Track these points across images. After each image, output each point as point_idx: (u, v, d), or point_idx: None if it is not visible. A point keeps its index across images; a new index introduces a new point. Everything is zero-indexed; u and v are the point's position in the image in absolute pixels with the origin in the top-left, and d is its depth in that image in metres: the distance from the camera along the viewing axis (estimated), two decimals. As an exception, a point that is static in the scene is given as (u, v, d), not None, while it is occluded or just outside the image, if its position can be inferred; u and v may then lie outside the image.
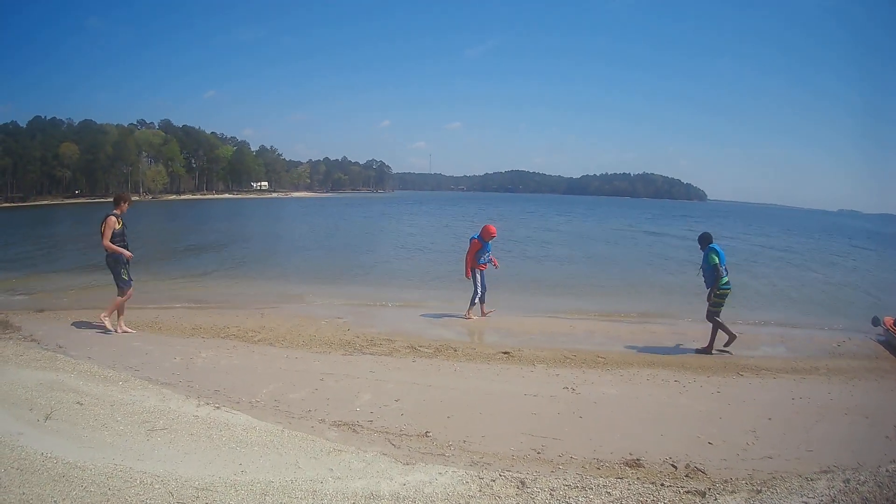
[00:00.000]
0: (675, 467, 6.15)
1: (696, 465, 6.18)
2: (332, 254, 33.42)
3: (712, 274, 11.88)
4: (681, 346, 12.20)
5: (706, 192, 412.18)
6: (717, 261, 11.78)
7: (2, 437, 5.94)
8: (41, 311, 13.96)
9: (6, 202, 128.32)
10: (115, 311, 11.83)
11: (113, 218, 11.46)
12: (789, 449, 6.81)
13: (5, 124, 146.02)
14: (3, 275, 22.36)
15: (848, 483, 5.15)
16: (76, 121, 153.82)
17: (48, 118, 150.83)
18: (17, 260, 28.13)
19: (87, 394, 7.55)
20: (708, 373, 10.12)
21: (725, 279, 11.90)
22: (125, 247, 11.70)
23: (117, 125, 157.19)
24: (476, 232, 15.08)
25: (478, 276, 14.68)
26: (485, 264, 14.80)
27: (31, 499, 4.78)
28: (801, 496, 5.02)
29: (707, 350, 11.76)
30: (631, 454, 6.45)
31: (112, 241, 11.45)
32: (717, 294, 11.91)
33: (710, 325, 11.97)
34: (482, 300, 14.91)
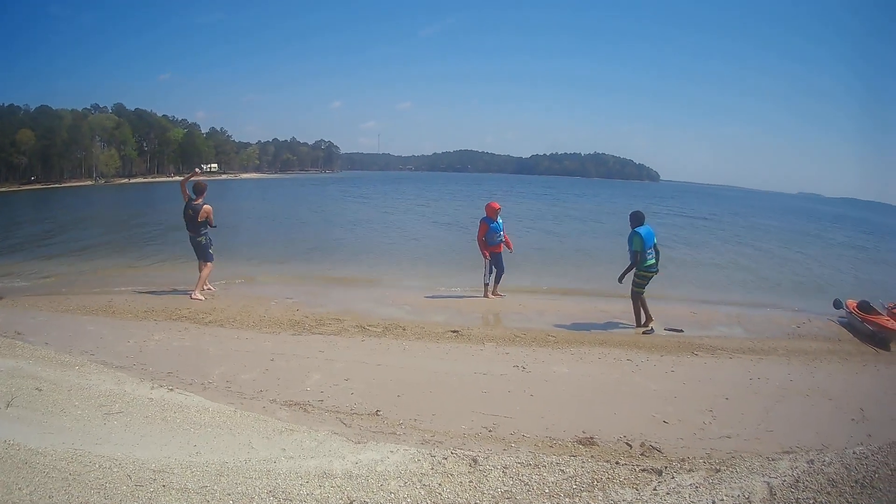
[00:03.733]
0: (630, 446, 6.17)
1: (652, 444, 6.19)
2: (280, 234, 33.32)
3: (632, 258, 11.88)
4: (631, 326, 12.09)
5: (659, 173, 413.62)
6: (637, 248, 11.73)
7: (-33, 428, 5.87)
8: (0, 298, 13.76)
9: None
10: (199, 281, 13.57)
11: (209, 206, 13.41)
12: (748, 429, 6.85)
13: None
14: None
15: (812, 464, 5.15)
16: (33, 107, 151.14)
17: (6, 105, 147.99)
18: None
19: (45, 379, 7.48)
20: (661, 352, 10.08)
21: (651, 261, 11.93)
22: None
23: (72, 110, 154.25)
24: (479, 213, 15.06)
25: (488, 258, 14.52)
26: (499, 245, 14.61)
27: (-3, 487, 4.78)
28: (763, 476, 5.02)
29: (641, 327, 11.88)
30: (584, 432, 6.47)
31: (206, 224, 13.58)
32: (639, 275, 11.93)
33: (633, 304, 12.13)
34: (497, 280, 14.82)
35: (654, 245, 12.09)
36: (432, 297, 14.82)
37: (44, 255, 24.38)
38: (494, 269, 14.67)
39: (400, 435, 6.35)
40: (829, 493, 4.68)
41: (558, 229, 38.09)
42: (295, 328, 11.12)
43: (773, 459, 5.42)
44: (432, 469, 5.23)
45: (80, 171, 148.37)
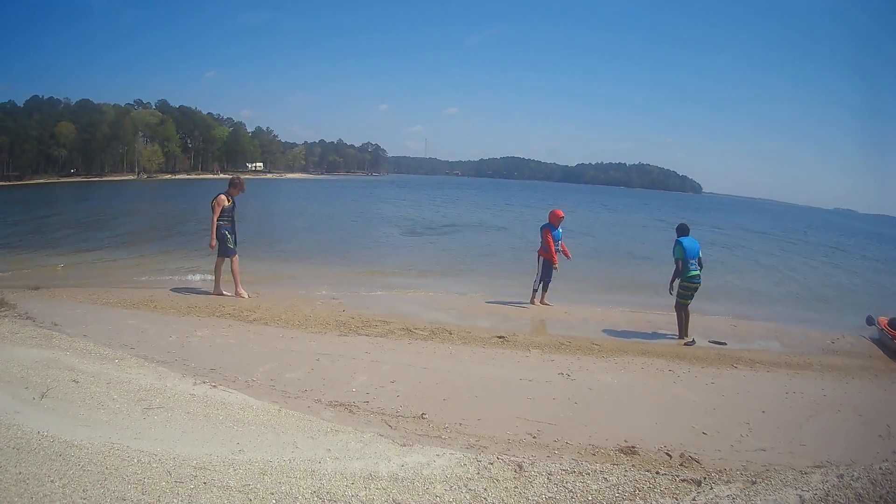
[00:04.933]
0: (670, 456, 6.12)
1: (691, 455, 6.15)
2: (328, 236, 33.24)
3: (676, 267, 12.06)
4: (674, 336, 12.15)
5: (701, 185, 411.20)
6: (678, 256, 11.94)
7: (-1, 416, 5.79)
8: (36, 288, 13.78)
9: (2, 180, 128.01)
10: (234, 279, 13.48)
11: (223, 196, 13.12)
12: (782, 443, 6.79)
13: (3, 104, 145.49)
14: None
15: (842, 478, 5.07)
16: (74, 100, 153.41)
17: (46, 98, 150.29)
18: (12, 237, 27.77)
19: (83, 372, 7.39)
20: (702, 363, 10.07)
21: (695, 272, 12.01)
22: (233, 222, 13.45)
23: (114, 105, 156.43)
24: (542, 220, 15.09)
25: (541, 263, 14.55)
26: (557, 252, 14.53)
27: (28, 478, 4.63)
28: (796, 489, 4.95)
29: (683, 338, 11.92)
30: (626, 441, 6.41)
31: (221, 217, 13.11)
32: (682, 286, 12.03)
33: (681, 314, 12.15)
34: (545, 288, 14.78)
35: (699, 258, 12.14)
36: (479, 302, 14.83)
37: (83, 243, 25.10)
38: (543, 277, 14.63)
39: (445, 439, 6.31)
40: (855, 507, 4.63)
41: (607, 238, 38.11)
42: (341, 329, 11.04)
43: (805, 473, 5.40)
44: (478, 474, 5.20)
45: (122, 166, 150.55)
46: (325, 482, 4.92)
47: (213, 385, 7.33)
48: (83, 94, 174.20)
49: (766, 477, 5.32)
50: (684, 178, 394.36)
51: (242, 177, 13.03)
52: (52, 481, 4.62)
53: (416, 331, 11.12)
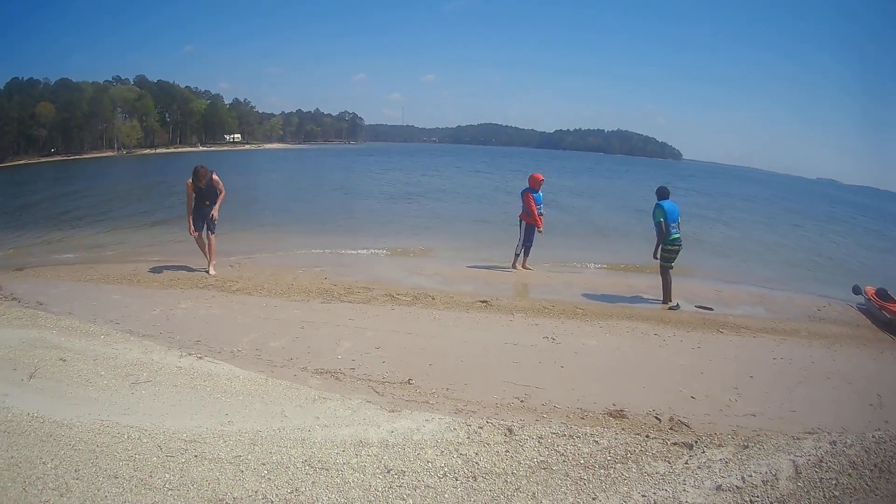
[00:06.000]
0: (659, 420, 6.21)
1: (680, 419, 6.22)
2: (306, 203, 33.35)
3: (658, 229, 12.06)
4: (657, 301, 12.21)
5: (682, 152, 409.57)
6: (660, 218, 11.96)
7: (-13, 400, 5.77)
8: (20, 269, 13.72)
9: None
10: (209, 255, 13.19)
11: (189, 182, 12.75)
12: (772, 408, 6.82)
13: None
14: None
15: (835, 445, 5.14)
16: (53, 80, 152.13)
17: (26, 79, 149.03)
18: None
19: (69, 350, 7.41)
20: (687, 328, 10.09)
21: (675, 235, 12.12)
22: (210, 201, 12.96)
23: (93, 83, 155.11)
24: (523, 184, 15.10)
25: (523, 228, 14.59)
26: (541, 216, 14.57)
27: (20, 461, 4.67)
28: (789, 454, 5.03)
29: (667, 302, 12.02)
30: (614, 405, 6.49)
31: (196, 200, 12.85)
32: (665, 249, 12.12)
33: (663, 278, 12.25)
34: (526, 253, 14.84)
35: (678, 221, 12.26)
36: (460, 267, 14.94)
37: (62, 221, 24.71)
38: (525, 242, 14.70)
39: (433, 404, 6.38)
40: (850, 474, 4.74)
41: (582, 203, 37.98)
42: (324, 296, 11.07)
43: (797, 439, 5.47)
44: (468, 438, 5.31)
45: (102, 143, 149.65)
46: (315, 450, 5.01)
47: (199, 357, 7.36)
48: (63, 75, 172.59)
49: (758, 441, 5.40)
50: (664, 144, 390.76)
51: (206, 166, 12.67)
52: (43, 463, 4.65)
53: (399, 297, 11.19)
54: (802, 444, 5.24)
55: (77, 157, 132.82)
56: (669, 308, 11.64)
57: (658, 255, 12.23)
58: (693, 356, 8.57)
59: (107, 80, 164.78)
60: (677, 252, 12.20)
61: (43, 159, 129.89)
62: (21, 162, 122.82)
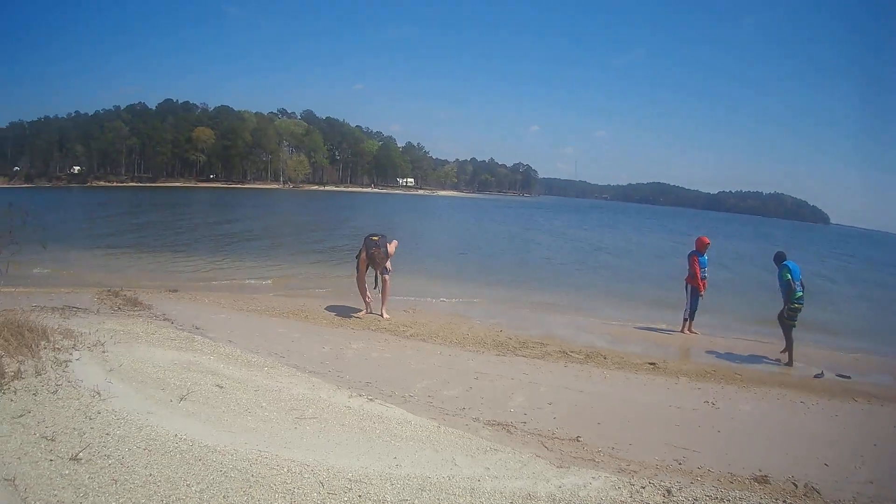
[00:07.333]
0: (796, 486, 6.54)
1: (813, 485, 6.53)
2: (486, 256, 34.04)
3: (787, 288, 13.36)
4: (803, 367, 12.85)
5: (829, 216, 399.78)
6: (789, 277, 13.32)
7: (128, 416, 5.95)
8: (174, 290, 14.54)
9: (133, 181, 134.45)
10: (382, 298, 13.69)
11: (363, 251, 13.28)
12: (887, 477, 7.20)
13: (132, 105, 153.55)
14: (131, 252, 24.37)
15: None
16: (210, 106, 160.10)
17: (180, 102, 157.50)
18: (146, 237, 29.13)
19: (228, 377, 7.64)
20: (828, 396, 10.66)
21: (800, 293, 13.39)
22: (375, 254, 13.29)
23: (256, 113, 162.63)
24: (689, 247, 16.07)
25: (689, 291, 15.44)
26: (704, 279, 15.39)
27: (159, 479, 4.81)
28: None
29: (788, 362, 13.13)
30: (760, 470, 6.81)
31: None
32: (791, 308, 13.35)
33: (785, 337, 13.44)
34: (691, 317, 15.47)
35: (801, 279, 13.57)
36: (629, 328, 15.77)
37: (221, 247, 26.92)
38: (691, 305, 15.35)
39: (599, 462, 6.63)
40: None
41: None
42: (499, 349, 11.45)
43: None
44: (630, 497, 5.52)
45: (266, 174, 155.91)
46: (484, 500, 5.15)
47: (370, 398, 7.52)
48: (216, 101, 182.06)
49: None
50: (814, 208, 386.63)
51: (382, 252, 13.09)
52: (187, 485, 4.79)
53: (572, 353, 11.72)
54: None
55: (238, 185, 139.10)
56: (815, 376, 12.15)
57: (785, 314, 13.47)
58: (830, 424, 9.19)
59: (271, 112, 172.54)
60: (800, 311, 13.48)
61: (201, 184, 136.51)
62: (176, 184, 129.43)
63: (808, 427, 8.82)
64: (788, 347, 13.26)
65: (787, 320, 13.33)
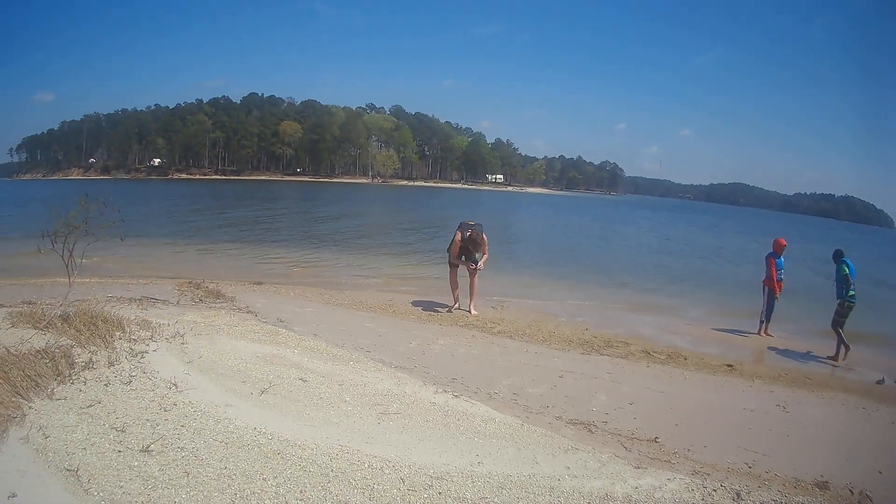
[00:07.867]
0: (852, 493, 6.58)
1: (867, 493, 6.54)
2: (576, 255, 33.90)
3: (842, 284, 13.48)
4: (864, 371, 12.62)
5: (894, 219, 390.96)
6: (846, 272, 13.43)
7: (206, 408, 6.03)
8: (259, 283, 14.75)
9: (217, 174, 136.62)
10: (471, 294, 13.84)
11: (458, 235, 13.61)
12: None
13: (216, 98, 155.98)
14: (220, 244, 25.26)
15: None
16: (297, 101, 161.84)
17: (266, 96, 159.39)
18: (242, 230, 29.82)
19: (312, 371, 7.71)
20: (888, 403, 10.47)
21: (853, 292, 13.49)
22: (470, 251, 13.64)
23: (344, 108, 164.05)
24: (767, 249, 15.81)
25: (766, 293, 15.25)
26: (780, 282, 15.25)
27: (234, 473, 4.86)
28: None
29: (835, 358, 13.16)
30: (821, 476, 6.83)
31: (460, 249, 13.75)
32: (843, 305, 13.43)
33: (836, 334, 13.43)
34: (768, 319, 15.25)
35: (854, 279, 13.66)
36: (706, 328, 15.66)
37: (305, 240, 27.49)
38: (768, 307, 15.23)
39: (674, 464, 6.71)
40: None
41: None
42: (584, 347, 11.46)
43: None
44: (702, 500, 5.64)
45: (355, 169, 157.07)
46: (563, 499, 5.24)
47: (456, 395, 7.57)
48: (301, 96, 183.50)
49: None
50: (881, 212, 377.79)
51: (482, 236, 13.30)
52: (263, 479, 4.82)
53: (655, 354, 11.78)
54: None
55: (326, 179, 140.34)
56: (877, 382, 11.89)
57: (837, 310, 13.54)
58: (887, 431, 9.07)
59: (359, 107, 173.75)
60: (852, 308, 13.52)
61: (288, 178, 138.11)
62: (262, 178, 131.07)
63: (868, 433, 8.82)
64: (838, 345, 13.29)
65: (838, 316, 13.42)
